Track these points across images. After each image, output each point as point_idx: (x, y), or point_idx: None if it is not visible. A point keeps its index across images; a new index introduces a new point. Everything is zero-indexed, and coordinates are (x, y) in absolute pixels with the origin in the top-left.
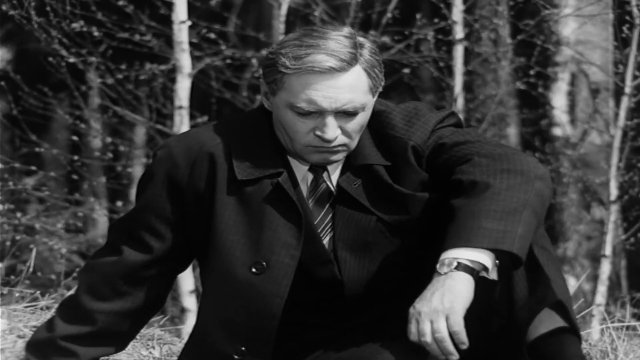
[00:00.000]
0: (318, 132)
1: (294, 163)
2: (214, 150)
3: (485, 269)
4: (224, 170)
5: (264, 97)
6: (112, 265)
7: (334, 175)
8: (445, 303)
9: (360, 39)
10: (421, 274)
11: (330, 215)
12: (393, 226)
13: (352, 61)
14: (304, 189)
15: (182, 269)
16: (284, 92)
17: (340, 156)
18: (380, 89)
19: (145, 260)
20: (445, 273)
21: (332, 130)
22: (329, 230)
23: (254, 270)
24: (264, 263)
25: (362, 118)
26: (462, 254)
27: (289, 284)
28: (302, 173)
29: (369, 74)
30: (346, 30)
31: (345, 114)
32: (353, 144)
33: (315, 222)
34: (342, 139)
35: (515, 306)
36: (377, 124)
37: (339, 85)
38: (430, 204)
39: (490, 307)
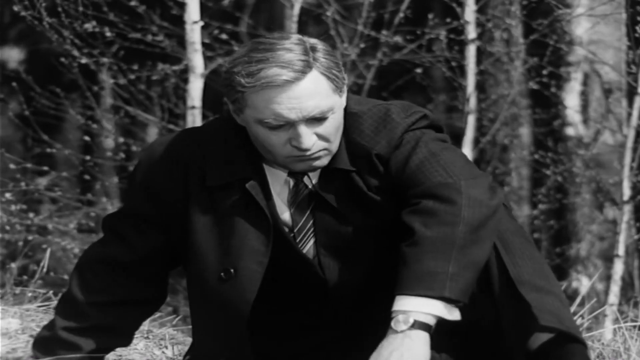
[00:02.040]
0: (294, 143)
1: (269, 169)
2: (189, 157)
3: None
4: (198, 177)
5: (234, 114)
6: (101, 260)
7: (314, 177)
8: None
9: (312, 41)
10: None
11: (311, 221)
12: (369, 232)
13: (305, 69)
14: (286, 194)
15: (170, 268)
16: (249, 109)
17: (325, 161)
18: (346, 87)
19: (132, 257)
20: (402, 331)
21: (307, 138)
22: (311, 235)
23: (222, 276)
24: (232, 270)
25: (335, 120)
26: (415, 306)
27: (255, 291)
28: (282, 178)
29: (328, 77)
30: (294, 37)
31: (315, 120)
32: (334, 146)
33: (297, 228)
34: (320, 144)
35: (504, 330)
36: (348, 127)
37: (299, 95)
38: (400, 210)
39: (479, 331)
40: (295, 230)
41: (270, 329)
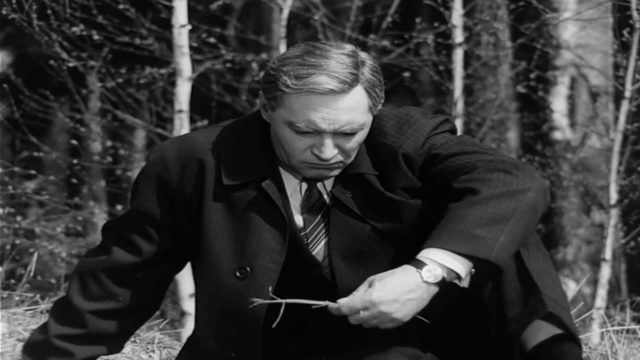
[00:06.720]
0: (315, 151)
1: (285, 171)
2: (204, 156)
3: (459, 277)
4: (213, 176)
5: (262, 108)
6: (102, 266)
7: (328, 183)
8: (401, 311)
9: (362, 56)
10: None
11: (323, 224)
12: (387, 234)
13: (353, 83)
14: (298, 197)
15: (174, 272)
16: (283, 109)
17: (336, 172)
18: (380, 106)
19: (135, 262)
20: (427, 282)
21: (329, 150)
22: (323, 237)
23: (238, 275)
24: (248, 268)
25: (360, 136)
26: (444, 259)
27: (272, 289)
28: (295, 181)
29: (370, 94)
30: (348, 48)
31: (344, 134)
32: (349, 160)
33: (308, 230)
34: (338, 157)
35: (506, 316)
36: (370, 131)
37: (339, 107)
38: (423, 211)
39: (482, 314)
40: (307, 231)
41: (275, 328)
